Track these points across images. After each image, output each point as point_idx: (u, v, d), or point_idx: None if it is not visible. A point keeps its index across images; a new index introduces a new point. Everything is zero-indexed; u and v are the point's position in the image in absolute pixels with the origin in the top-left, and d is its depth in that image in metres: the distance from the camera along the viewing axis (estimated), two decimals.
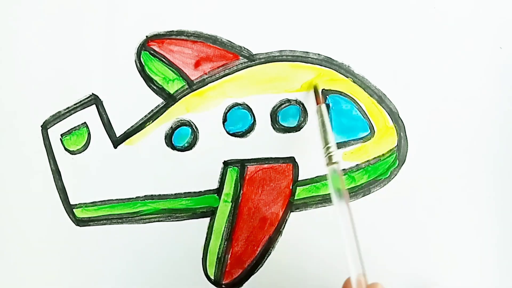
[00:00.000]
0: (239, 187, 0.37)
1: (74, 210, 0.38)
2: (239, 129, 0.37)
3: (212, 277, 0.37)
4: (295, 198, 0.37)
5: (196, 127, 0.38)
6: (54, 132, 0.39)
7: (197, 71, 0.38)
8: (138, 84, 0.38)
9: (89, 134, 0.39)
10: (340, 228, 0.29)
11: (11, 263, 0.39)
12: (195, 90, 0.38)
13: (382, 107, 0.37)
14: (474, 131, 0.36)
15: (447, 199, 0.36)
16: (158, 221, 0.38)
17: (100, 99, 0.39)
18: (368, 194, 0.36)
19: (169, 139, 0.38)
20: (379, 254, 0.36)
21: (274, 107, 0.37)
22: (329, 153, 0.32)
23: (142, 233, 0.38)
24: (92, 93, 0.39)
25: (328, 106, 0.37)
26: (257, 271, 0.36)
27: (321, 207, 0.36)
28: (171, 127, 0.38)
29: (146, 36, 0.38)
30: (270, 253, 0.36)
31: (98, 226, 0.38)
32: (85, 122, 0.39)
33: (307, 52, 0.37)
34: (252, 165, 0.37)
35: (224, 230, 0.37)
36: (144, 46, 0.38)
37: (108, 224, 0.38)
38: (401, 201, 0.36)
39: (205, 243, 0.37)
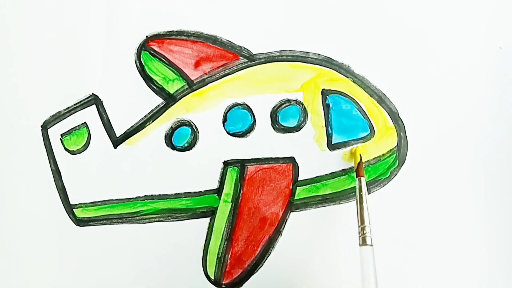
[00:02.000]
0: (239, 187, 0.37)
1: (74, 210, 0.38)
2: (239, 129, 0.37)
3: (212, 277, 0.37)
4: (295, 198, 0.37)
5: (196, 127, 0.38)
6: (54, 132, 0.39)
7: (197, 71, 0.38)
8: (138, 84, 0.38)
9: (89, 134, 0.39)
10: None
11: (11, 263, 0.39)
12: (195, 90, 0.38)
13: (382, 107, 0.37)
14: (474, 131, 0.36)
15: (447, 199, 0.36)
16: (158, 221, 0.38)
17: (100, 99, 0.39)
18: (368, 194, 0.36)
19: (169, 139, 0.38)
20: (379, 254, 0.36)
21: (274, 107, 0.37)
22: (364, 233, 0.31)
23: (142, 233, 0.38)
24: (92, 93, 0.39)
25: (328, 106, 0.37)
26: (257, 271, 0.36)
27: (321, 207, 0.36)
28: (171, 127, 0.38)
29: (146, 36, 0.38)
30: (270, 253, 0.36)
31: (98, 226, 0.38)
32: (85, 122, 0.39)
33: (307, 52, 0.37)
34: (252, 165, 0.37)
35: (224, 230, 0.37)
36: (144, 46, 0.38)
37: (108, 224, 0.38)
38: (401, 201, 0.36)
39: (205, 243, 0.37)
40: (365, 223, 0.31)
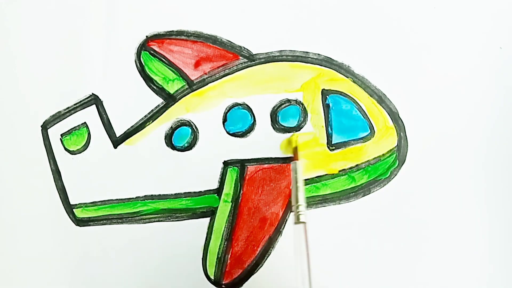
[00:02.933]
0: (239, 187, 0.37)
1: (74, 210, 0.38)
2: (239, 129, 0.37)
3: (212, 277, 0.37)
4: None
5: (196, 127, 0.38)
6: (54, 132, 0.39)
7: (197, 71, 0.38)
8: (138, 84, 0.38)
9: (89, 134, 0.39)
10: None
11: (11, 263, 0.39)
12: (195, 90, 0.38)
13: (382, 107, 0.37)
14: (474, 130, 0.36)
15: (448, 199, 0.36)
16: (158, 221, 0.38)
17: (100, 99, 0.39)
18: (368, 194, 0.36)
19: (169, 139, 0.38)
20: (379, 254, 0.36)
21: (274, 107, 0.37)
22: (298, 212, 0.33)
23: (142, 233, 0.38)
24: (92, 93, 0.39)
25: (328, 106, 0.37)
26: (257, 271, 0.36)
27: (321, 207, 0.36)
28: (171, 127, 0.38)
29: (146, 36, 0.38)
30: (270, 253, 0.36)
31: (98, 226, 0.38)
32: (85, 122, 0.39)
33: (307, 52, 0.37)
34: (252, 165, 0.37)
35: (224, 230, 0.37)
36: (144, 46, 0.38)
37: (108, 224, 0.38)
38: (401, 201, 0.36)
39: (205, 243, 0.37)
40: (299, 202, 0.33)
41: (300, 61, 0.37)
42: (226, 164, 0.37)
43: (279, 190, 0.37)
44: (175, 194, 0.37)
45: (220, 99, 0.38)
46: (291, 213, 0.37)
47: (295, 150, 0.36)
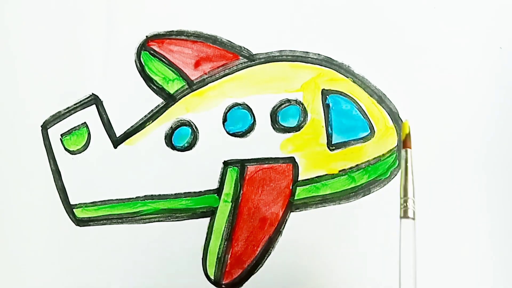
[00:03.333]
0: (239, 187, 0.37)
1: (74, 210, 0.38)
2: (239, 129, 0.37)
3: (212, 277, 0.37)
4: (295, 198, 0.37)
5: (196, 127, 0.38)
6: (54, 132, 0.39)
7: (197, 71, 0.38)
8: (138, 84, 0.38)
9: (89, 134, 0.39)
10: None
11: (11, 263, 0.39)
12: (195, 90, 0.38)
13: (382, 107, 0.37)
14: (474, 130, 0.36)
15: (448, 199, 0.36)
16: (158, 221, 0.38)
17: (100, 99, 0.39)
18: (368, 194, 0.36)
19: (169, 139, 0.38)
20: (379, 254, 0.36)
21: (274, 107, 0.37)
22: (406, 206, 0.30)
23: (142, 233, 0.38)
24: (92, 93, 0.39)
25: (328, 106, 0.37)
26: (257, 271, 0.36)
27: (321, 207, 0.36)
28: (171, 127, 0.38)
29: (146, 36, 0.38)
30: (270, 253, 0.36)
31: (98, 226, 0.38)
32: (85, 122, 0.39)
33: (307, 52, 0.37)
34: (252, 165, 0.37)
35: (224, 230, 0.37)
36: (144, 46, 0.38)
37: (108, 224, 0.38)
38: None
39: (205, 243, 0.37)
40: (408, 195, 0.30)
41: (300, 61, 0.37)
42: (226, 164, 0.37)
43: (279, 190, 0.37)
44: (175, 194, 0.37)
45: (220, 99, 0.38)
46: (291, 213, 0.37)
47: (407, 136, 0.32)
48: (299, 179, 0.37)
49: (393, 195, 0.36)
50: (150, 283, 0.37)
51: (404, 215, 0.29)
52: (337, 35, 0.37)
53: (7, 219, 0.39)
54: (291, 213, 0.37)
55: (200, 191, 0.37)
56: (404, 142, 0.32)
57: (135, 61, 0.38)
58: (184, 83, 0.38)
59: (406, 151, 0.31)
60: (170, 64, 0.38)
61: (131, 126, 0.38)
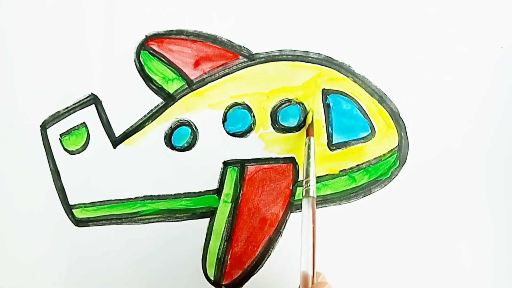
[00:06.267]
0: (239, 187, 0.37)
1: (73, 210, 0.38)
2: (239, 129, 0.37)
3: (212, 278, 0.37)
4: (295, 198, 0.36)
5: (195, 127, 0.37)
6: (53, 132, 0.39)
7: (197, 70, 0.38)
8: (137, 84, 0.38)
9: (88, 134, 0.38)
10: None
11: (11, 263, 0.39)
12: (195, 89, 0.38)
13: (383, 107, 0.37)
14: (475, 130, 0.36)
15: (448, 199, 0.36)
16: (158, 221, 0.37)
17: (99, 99, 0.38)
18: (369, 194, 0.36)
19: (168, 139, 0.38)
20: (380, 255, 0.36)
21: (274, 107, 0.37)
22: (308, 186, 0.32)
23: (142, 234, 0.38)
24: (91, 93, 0.39)
25: (328, 106, 0.37)
26: (257, 271, 0.36)
27: (321, 207, 0.36)
28: (171, 127, 0.38)
29: (146, 36, 0.38)
30: (270, 254, 0.36)
31: (97, 226, 0.38)
32: (84, 122, 0.39)
33: (307, 51, 0.37)
34: (252, 165, 0.37)
35: (224, 231, 0.37)
36: (144, 45, 0.38)
37: (108, 225, 0.38)
38: (402, 202, 0.36)
39: (204, 243, 0.37)
40: (309, 176, 0.33)
41: (300, 61, 0.37)
42: (226, 164, 0.37)
43: (279, 190, 0.37)
44: (175, 194, 0.37)
45: (220, 99, 0.37)
46: (291, 213, 0.36)
47: (310, 125, 0.36)
48: (299, 179, 0.37)
49: (394, 196, 0.36)
50: (150, 284, 0.37)
51: (306, 194, 0.32)
52: (337, 34, 0.37)
53: (6, 219, 0.39)
54: (291, 213, 0.36)
55: (200, 192, 0.37)
56: (308, 131, 0.36)
57: (135, 61, 0.38)
58: (184, 83, 0.38)
59: (309, 139, 0.35)
60: (170, 64, 0.38)
61: (131, 126, 0.38)
